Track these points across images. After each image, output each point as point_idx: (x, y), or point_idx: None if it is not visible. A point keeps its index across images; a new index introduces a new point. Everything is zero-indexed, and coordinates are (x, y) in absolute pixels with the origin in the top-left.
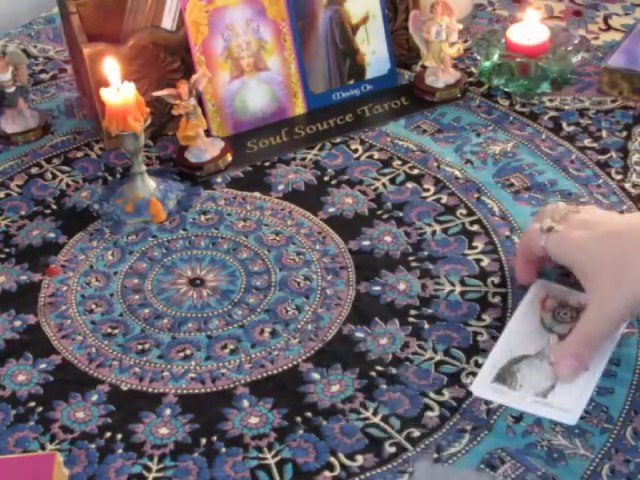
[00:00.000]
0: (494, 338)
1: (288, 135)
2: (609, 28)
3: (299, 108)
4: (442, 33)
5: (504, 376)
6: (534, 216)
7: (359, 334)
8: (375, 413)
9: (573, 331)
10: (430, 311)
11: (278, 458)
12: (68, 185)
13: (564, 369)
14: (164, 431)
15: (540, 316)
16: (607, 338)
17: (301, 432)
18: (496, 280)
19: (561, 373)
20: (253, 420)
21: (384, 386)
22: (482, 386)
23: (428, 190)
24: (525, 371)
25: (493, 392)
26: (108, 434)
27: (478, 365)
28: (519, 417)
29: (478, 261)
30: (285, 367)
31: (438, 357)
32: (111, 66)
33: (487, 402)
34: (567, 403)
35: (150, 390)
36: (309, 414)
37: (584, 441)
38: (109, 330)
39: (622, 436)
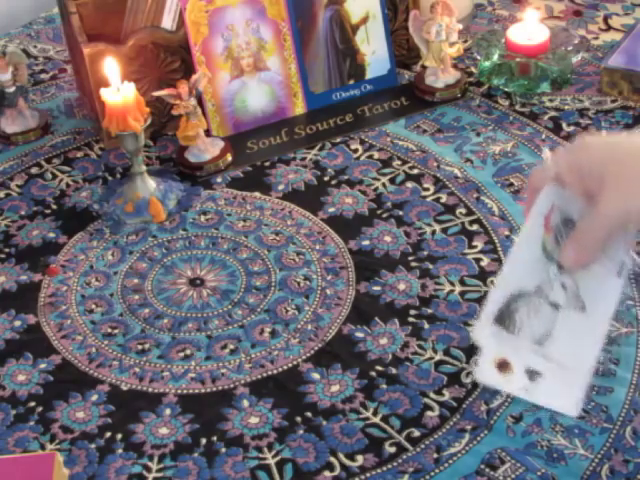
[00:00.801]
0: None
1: (288, 135)
2: (609, 28)
3: (299, 108)
4: (442, 33)
5: (503, 318)
6: None
7: (359, 334)
8: (375, 413)
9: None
10: (430, 311)
11: (278, 458)
12: (68, 185)
13: (567, 256)
14: (164, 431)
15: (542, 240)
16: (604, 240)
17: (301, 432)
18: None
19: (565, 260)
20: (253, 420)
21: (384, 386)
22: (482, 329)
23: (428, 190)
24: (523, 312)
25: (492, 338)
26: (108, 434)
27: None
28: (519, 417)
29: (478, 261)
30: (285, 367)
31: (438, 357)
32: (111, 66)
33: (487, 402)
34: (566, 356)
35: (150, 390)
36: (309, 414)
37: (584, 441)
38: (109, 330)
39: (622, 436)
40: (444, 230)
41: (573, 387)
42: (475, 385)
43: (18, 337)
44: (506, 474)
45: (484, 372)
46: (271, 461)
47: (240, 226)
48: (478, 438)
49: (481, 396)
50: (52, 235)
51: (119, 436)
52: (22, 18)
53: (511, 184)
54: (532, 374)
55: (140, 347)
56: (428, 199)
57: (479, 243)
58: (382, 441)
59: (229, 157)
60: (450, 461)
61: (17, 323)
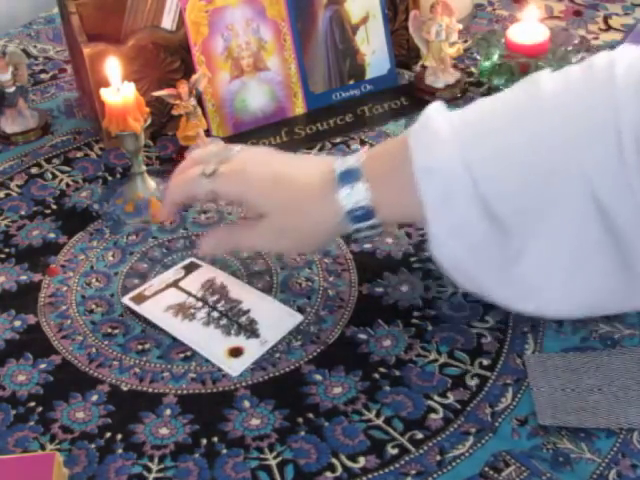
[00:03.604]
0: (498, 340)
1: (288, 135)
2: (609, 28)
3: (299, 108)
4: (442, 33)
5: None
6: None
7: (362, 336)
8: (378, 415)
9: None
10: (433, 312)
11: (279, 459)
12: (68, 185)
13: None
14: (164, 431)
15: None
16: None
17: (303, 433)
18: None
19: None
20: (254, 422)
21: (387, 388)
22: None
23: None
24: None
25: None
26: (108, 434)
27: (482, 367)
28: (524, 420)
29: None
30: (287, 369)
31: (442, 359)
32: (111, 66)
33: (492, 405)
34: None
35: (150, 390)
36: (311, 415)
37: (590, 445)
38: (109, 330)
39: (629, 440)
40: None
41: None
42: (480, 388)
43: (18, 337)
44: (510, 477)
45: None
46: (272, 462)
47: None
48: (482, 441)
49: None
50: (52, 235)
51: (119, 436)
52: (22, 18)
53: None
54: None
55: (140, 347)
56: None
57: None
58: (384, 443)
59: None
60: (453, 463)
61: (17, 323)
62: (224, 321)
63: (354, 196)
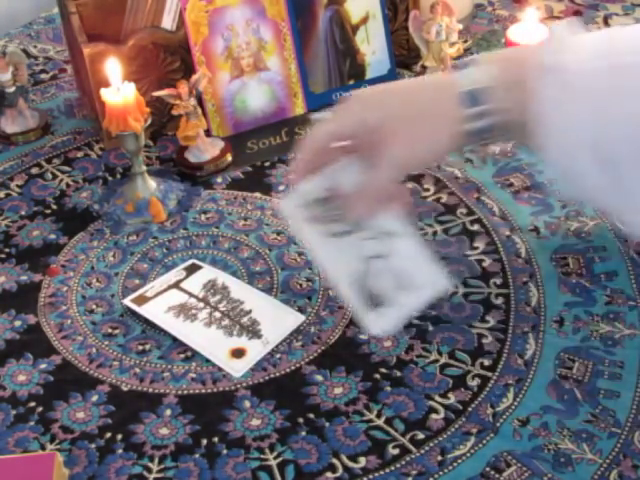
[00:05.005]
0: (499, 340)
1: (288, 135)
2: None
3: (299, 108)
4: (442, 33)
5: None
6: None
7: (362, 336)
8: (379, 415)
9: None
10: (434, 313)
11: (280, 459)
12: (68, 185)
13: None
14: (164, 431)
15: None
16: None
17: (303, 434)
18: (498, 281)
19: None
20: (255, 422)
21: (388, 388)
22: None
23: (428, 190)
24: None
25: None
26: (108, 434)
27: (484, 367)
28: (526, 420)
29: (480, 262)
30: (288, 370)
31: (443, 359)
32: (111, 66)
33: (493, 405)
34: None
35: (150, 391)
36: (312, 416)
37: (592, 445)
38: (110, 330)
39: (630, 441)
40: (445, 231)
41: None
42: (481, 388)
43: (18, 337)
44: (512, 477)
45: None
46: (272, 462)
47: (241, 225)
48: (484, 441)
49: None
50: (52, 236)
51: (119, 436)
52: (22, 18)
53: (511, 184)
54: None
55: (141, 348)
56: (429, 199)
57: (480, 244)
58: (385, 443)
59: (229, 157)
60: (455, 464)
61: (17, 323)
62: (226, 321)
63: (471, 76)
